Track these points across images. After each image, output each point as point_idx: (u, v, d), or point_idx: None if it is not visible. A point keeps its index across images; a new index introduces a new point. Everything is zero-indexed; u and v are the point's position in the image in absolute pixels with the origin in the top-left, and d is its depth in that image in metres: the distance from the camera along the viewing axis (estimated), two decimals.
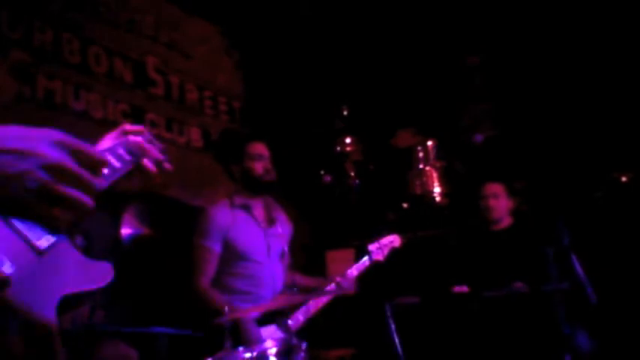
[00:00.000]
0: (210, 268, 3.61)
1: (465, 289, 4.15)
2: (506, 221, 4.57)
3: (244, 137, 3.95)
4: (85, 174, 1.04)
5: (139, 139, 1.77)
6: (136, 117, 5.00)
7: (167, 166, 1.86)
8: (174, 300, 3.93)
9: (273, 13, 5.87)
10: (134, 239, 3.88)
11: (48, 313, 1.21)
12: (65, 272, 1.30)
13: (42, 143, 1.01)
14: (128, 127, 1.82)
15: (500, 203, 4.55)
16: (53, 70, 4.47)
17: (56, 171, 1.00)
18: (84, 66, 4.71)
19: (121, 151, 1.65)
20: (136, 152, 1.72)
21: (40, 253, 1.23)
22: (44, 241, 1.24)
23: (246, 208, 3.77)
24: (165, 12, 5.50)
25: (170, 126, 5.29)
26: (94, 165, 1.07)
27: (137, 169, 1.74)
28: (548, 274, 3.70)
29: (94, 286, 1.37)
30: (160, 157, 1.83)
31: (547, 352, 3.87)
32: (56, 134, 1.04)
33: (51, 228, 1.09)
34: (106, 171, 1.53)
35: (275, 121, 5.71)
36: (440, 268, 4.76)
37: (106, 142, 1.77)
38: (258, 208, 3.83)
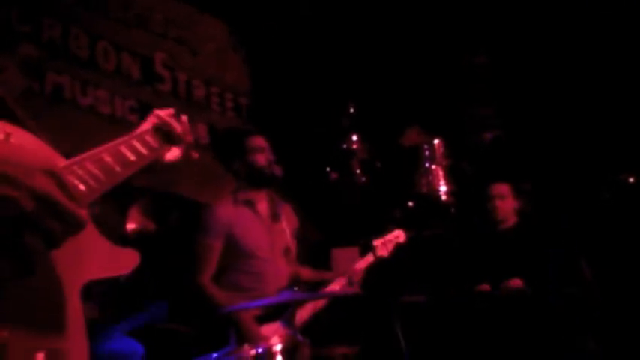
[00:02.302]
0: (211, 265, 3.62)
1: (486, 287, 4.13)
2: (512, 221, 4.56)
3: (242, 132, 3.95)
4: (72, 207, 1.06)
5: (172, 120, 1.74)
6: (144, 113, 5.01)
7: (194, 156, 1.83)
8: (179, 296, 3.94)
9: (281, 11, 5.87)
10: (139, 235, 3.89)
11: (73, 299, 1.22)
12: (90, 259, 1.30)
13: (33, 172, 1.05)
14: (160, 112, 1.79)
15: (506, 204, 4.54)
16: (61, 66, 4.48)
17: (42, 201, 1.04)
18: (92, 61, 4.73)
19: (149, 137, 1.63)
20: (170, 131, 1.69)
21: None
22: None
23: (250, 204, 3.77)
24: (173, 9, 5.52)
25: None
26: (79, 199, 1.12)
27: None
28: (553, 275, 3.70)
29: (118, 273, 1.37)
30: (191, 139, 1.79)
31: (551, 352, 3.87)
32: (48, 163, 1.08)
33: (21, 253, 1.10)
34: (132, 158, 1.52)
35: (281, 118, 5.71)
36: (445, 267, 4.76)
37: (141, 129, 1.73)
38: (262, 204, 3.83)
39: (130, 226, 4.06)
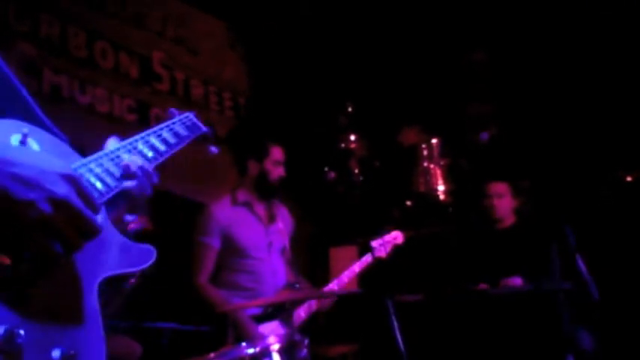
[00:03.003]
0: (208, 265, 3.64)
1: (484, 286, 4.14)
2: (510, 220, 4.56)
3: (267, 136, 3.95)
4: (88, 213, 1.06)
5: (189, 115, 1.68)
6: (142, 112, 5.01)
7: (213, 150, 1.79)
8: (177, 295, 3.94)
9: (279, 10, 5.87)
10: (137, 234, 3.89)
11: (89, 296, 1.22)
12: (106, 255, 1.30)
13: (51, 175, 1.05)
14: (175, 111, 1.74)
15: (504, 203, 4.54)
16: (59, 64, 4.47)
17: (61, 206, 1.04)
18: (90, 60, 4.72)
19: (155, 141, 1.59)
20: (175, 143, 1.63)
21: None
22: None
23: (248, 205, 3.78)
24: (171, 7, 5.51)
25: None
26: (96, 205, 1.11)
27: None
28: (552, 273, 3.70)
29: (134, 269, 1.36)
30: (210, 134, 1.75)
31: (549, 351, 3.87)
32: (66, 168, 1.08)
33: (39, 258, 1.08)
34: (150, 154, 1.51)
35: (279, 117, 5.71)
36: (443, 265, 4.76)
37: (153, 128, 1.67)
38: (260, 205, 3.84)
39: (130, 226, 4.05)
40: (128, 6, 5.11)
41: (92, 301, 1.22)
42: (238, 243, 3.67)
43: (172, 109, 1.79)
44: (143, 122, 4.92)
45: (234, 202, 3.78)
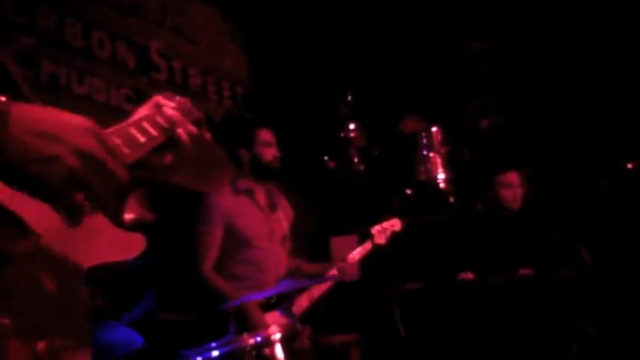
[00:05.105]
0: (212, 254, 3.63)
1: (469, 275, 4.14)
2: (516, 208, 4.54)
3: (252, 122, 3.95)
4: (115, 165, 1.04)
5: (173, 112, 1.62)
6: (139, 102, 4.98)
7: (207, 135, 1.73)
8: (178, 285, 3.93)
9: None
10: (137, 223, 3.88)
11: (76, 285, 1.19)
12: (97, 241, 1.27)
13: (76, 130, 1.03)
14: (161, 99, 1.66)
15: (515, 192, 4.51)
16: (57, 54, 4.44)
17: (88, 159, 1.02)
18: (87, 50, 4.69)
19: (147, 124, 1.54)
20: (168, 127, 1.58)
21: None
22: None
23: (249, 194, 3.77)
24: None
25: None
26: (121, 158, 1.11)
27: (170, 144, 1.60)
28: (555, 260, 3.70)
29: (125, 258, 1.34)
30: (194, 130, 1.66)
31: (553, 339, 3.87)
32: (89, 122, 1.06)
33: (70, 213, 1.08)
34: (142, 139, 1.46)
35: (279, 106, 5.68)
36: (445, 253, 4.75)
37: (138, 114, 1.62)
38: (261, 194, 3.83)
39: (128, 216, 4.03)
40: None
41: (78, 290, 1.19)
42: (240, 231, 3.66)
43: (171, 94, 1.74)
44: None
45: (236, 191, 3.77)
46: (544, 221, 4.17)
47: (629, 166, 5.05)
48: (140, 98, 4.98)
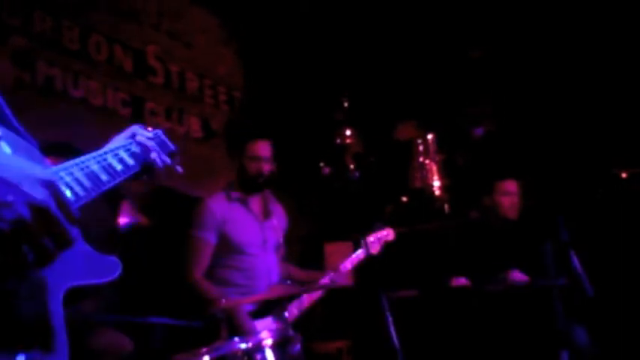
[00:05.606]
0: (204, 259, 3.61)
1: (463, 281, 4.14)
2: (512, 216, 4.52)
3: (247, 134, 3.92)
4: (64, 222, 1.05)
5: (147, 143, 1.68)
6: (136, 106, 4.98)
7: (178, 169, 1.80)
8: (170, 290, 3.92)
9: (274, 5, 5.84)
10: (131, 228, 3.87)
11: (54, 304, 1.20)
12: (72, 264, 1.29)
13: (30, 180, 1.03)
14: (137, 130, 1.72)
15: (513, 200, 4.49)
16: (53, 57, 4.44)
17: (37, 211, 1.01)
18: (84, 53, 4.69)
19: (124, 155, 1.61)
20: (143, 158, 1.65)
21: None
22: None
23: (243, 201, 3.77)
24: (166, 1, 5.47)
25: (170, 115, 5.26)
26: (73, 214, 1.10)
27: (145, 172, 1.68)
28: (547, 269, 3.70)
29: (100, 280, 1.36)
30: (169, 161, 1.74)
31: (545, 347, 3.87)
32: (48, 174, 1.05)
33: (10, 264, 1.06)
34: (119, 167, 1.53)
35: (275, 111, 5.69)
36: (438, 261, 4.75)
37: (115, 142, 1.69)
38: (255, 201, 3.83)
39: (122, 220, 4.03)
40: (123, 0, 5.08)
41: (57, 308, 1.20)
42: (233, 239, 3.65)
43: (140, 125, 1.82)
44: (137, 116, 4.89)
45: (229, 198, 3.76)
46: (539, 230, 4.17)
47: (624, 175, 5.06)
48: (137, 102, 4.99)
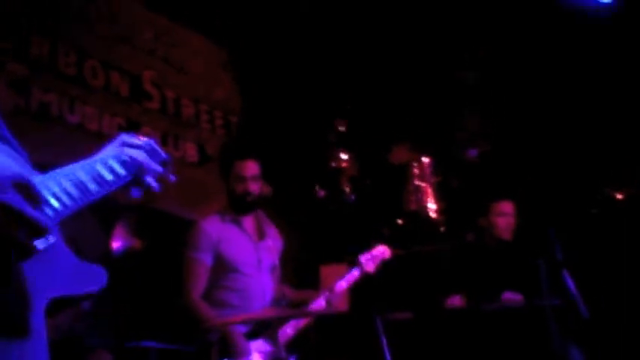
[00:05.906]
0: (201, 281, 3.60)
1: (457, 300, 4.11)
2: (507, 237, 4.51)
3: (233, 155, 3.93)
4: (31, 213, 1.08)
5: (137, 152, 1.65)
6: (132, 131, 5.01)
7: (171, 178, 1.76)
8: (163, 313, 3.91)
9: (270, 29, 5.90)
10: (125, 252, 3.87)
11: (37, 315, 1.20)
12: (58, 273, 1.29)
13: (3, 182, 1.08)
14: (127, 138, 1.70)
15: (509, 221, 4.47)
16: (49, 82, 4.47)
17: (3, 207, 1.06)
18: (80, 78, 4.72)
19: (114, 164, 1.58)
20: (133, 167, 1.62)
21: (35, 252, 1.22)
22: (41, 242, 1.21)
23: (236, 221, 3.77)
24: (162, 27, 5.53)
25: (165, 140, 5.28)
26: (38, 199, 1.14)
27: (135, 182, 1.65)
28: (541, 289, 3.69)
29: (86, 290, 1.35)
30: (160, 170, 1.70)
31: None
32: (15, 172, 1.09)
33: None
34: (110, 177, 1.52)
35: (271, 135, 5.71)
36: (434, 283, 4.74)
37: (104, 152, 1.66)
38: (249, 222, 3.83)
39: (115, 244, 4.03)
40: (119, 25, 5.13)
41: (39, 319, 1.20)
42: (228, 257, 3.65)
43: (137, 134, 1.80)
44: None
45: (223, 219, 3.77)
46: (530, 249, 4.16)
47: (619, 195, 5.07)
48: (133, 127, 5.01)
